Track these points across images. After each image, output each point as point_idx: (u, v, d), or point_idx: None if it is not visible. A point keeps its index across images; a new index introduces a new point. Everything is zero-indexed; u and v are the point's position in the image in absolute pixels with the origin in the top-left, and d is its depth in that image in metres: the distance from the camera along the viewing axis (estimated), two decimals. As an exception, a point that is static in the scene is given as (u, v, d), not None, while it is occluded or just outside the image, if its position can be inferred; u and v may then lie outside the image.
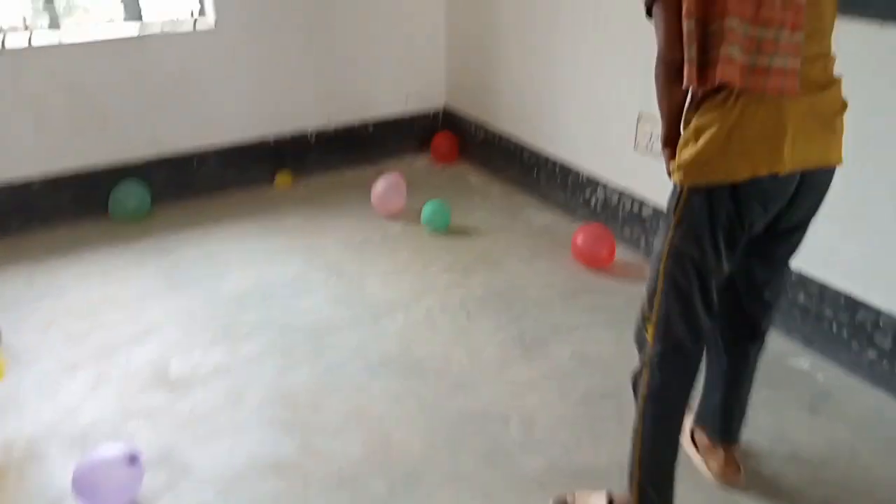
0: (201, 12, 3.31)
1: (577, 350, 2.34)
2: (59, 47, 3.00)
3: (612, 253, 2.79)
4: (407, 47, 3.79)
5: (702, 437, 1.86)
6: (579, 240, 2.81)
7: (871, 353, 2.13)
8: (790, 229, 1.53)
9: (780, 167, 1.36)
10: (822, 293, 2.22)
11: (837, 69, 1.43)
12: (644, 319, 1.54)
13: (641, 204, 2.85)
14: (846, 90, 1.44)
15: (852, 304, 2.15)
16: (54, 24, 3.11)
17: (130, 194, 3.24)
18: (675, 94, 1.44)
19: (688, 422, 1.85)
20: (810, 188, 1.45)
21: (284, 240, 3.10)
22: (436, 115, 4.03)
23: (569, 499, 1.75)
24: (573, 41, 3.02)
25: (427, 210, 3.12)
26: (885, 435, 1.98)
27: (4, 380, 2.21)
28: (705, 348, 1.61)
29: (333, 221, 3.25)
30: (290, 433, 2.01)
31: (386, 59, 3.75)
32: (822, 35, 1.39)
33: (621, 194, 2.94)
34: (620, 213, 2.96)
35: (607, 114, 2.92)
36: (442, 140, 3.88)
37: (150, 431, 2.03)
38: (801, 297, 2.28)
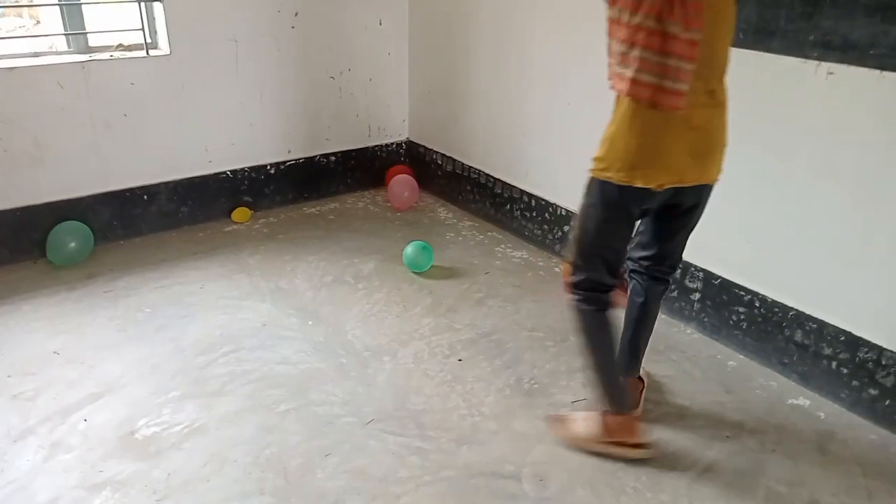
0: (153, 40, 3.09)
1: (579, 397, 2.24)
2: (-5, 74, 2.73)
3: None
4: (369, 80, 3.68)
5: None
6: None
7: (873, 391, 2.13)
8: None
9: None
10: (822, 330, 2.22)
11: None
12: None
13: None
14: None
15: (853, 342, 2.16)
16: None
17: (71, 234, 2.95)
18: None
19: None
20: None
21: (249, 281, 2.89)
22: (398, 147, 3.91)
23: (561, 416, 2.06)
24: (551, 79, 2.97)
25: (410, 251, 2.95)
26: None
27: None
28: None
29: (299, 260, 3.07)
30: (285, 503, 1.82)
31: (347, 91, 3.62)
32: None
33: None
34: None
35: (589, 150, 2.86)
36: (399, 173, 3.74)
37: (122, 508, 1.79)
38: (799, 335, 2.28)
